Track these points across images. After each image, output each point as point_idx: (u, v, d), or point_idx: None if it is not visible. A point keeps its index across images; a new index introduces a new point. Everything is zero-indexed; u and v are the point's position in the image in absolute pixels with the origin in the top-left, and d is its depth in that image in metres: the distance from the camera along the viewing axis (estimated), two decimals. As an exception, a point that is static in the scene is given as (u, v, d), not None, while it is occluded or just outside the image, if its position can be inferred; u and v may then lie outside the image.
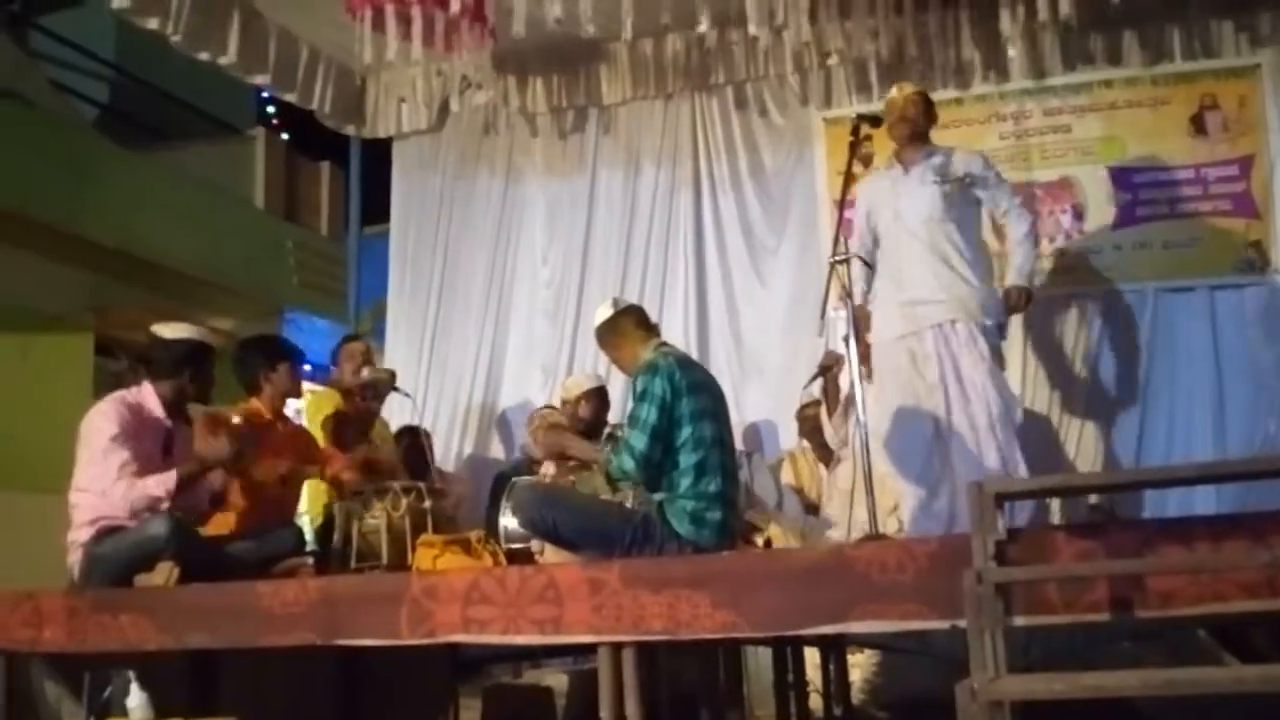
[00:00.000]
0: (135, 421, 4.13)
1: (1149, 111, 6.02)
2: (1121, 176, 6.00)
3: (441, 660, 4.52)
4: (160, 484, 4.01)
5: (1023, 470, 4.30)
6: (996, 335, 4.57)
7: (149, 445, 4.16)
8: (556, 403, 6.37)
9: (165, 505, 4.00)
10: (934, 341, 4.43)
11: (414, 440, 5.60)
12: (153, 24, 5.58)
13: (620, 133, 6.78)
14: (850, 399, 5.44)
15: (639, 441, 3.72)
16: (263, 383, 4.74)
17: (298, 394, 5.01)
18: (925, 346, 4.44)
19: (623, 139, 6.77)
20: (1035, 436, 5.73)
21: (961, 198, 4.68)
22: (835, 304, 4.44)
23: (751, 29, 5.61)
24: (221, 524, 4.53)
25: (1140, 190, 5.98)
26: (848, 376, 5.50)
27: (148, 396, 4.23)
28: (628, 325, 4.05)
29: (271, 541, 4.28)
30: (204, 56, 5.91)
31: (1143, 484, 4.51)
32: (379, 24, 5.43)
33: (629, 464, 3.73)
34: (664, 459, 3.75)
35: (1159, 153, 5.97)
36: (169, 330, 4.34)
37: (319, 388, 5.81)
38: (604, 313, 4.14)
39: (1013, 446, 4.32)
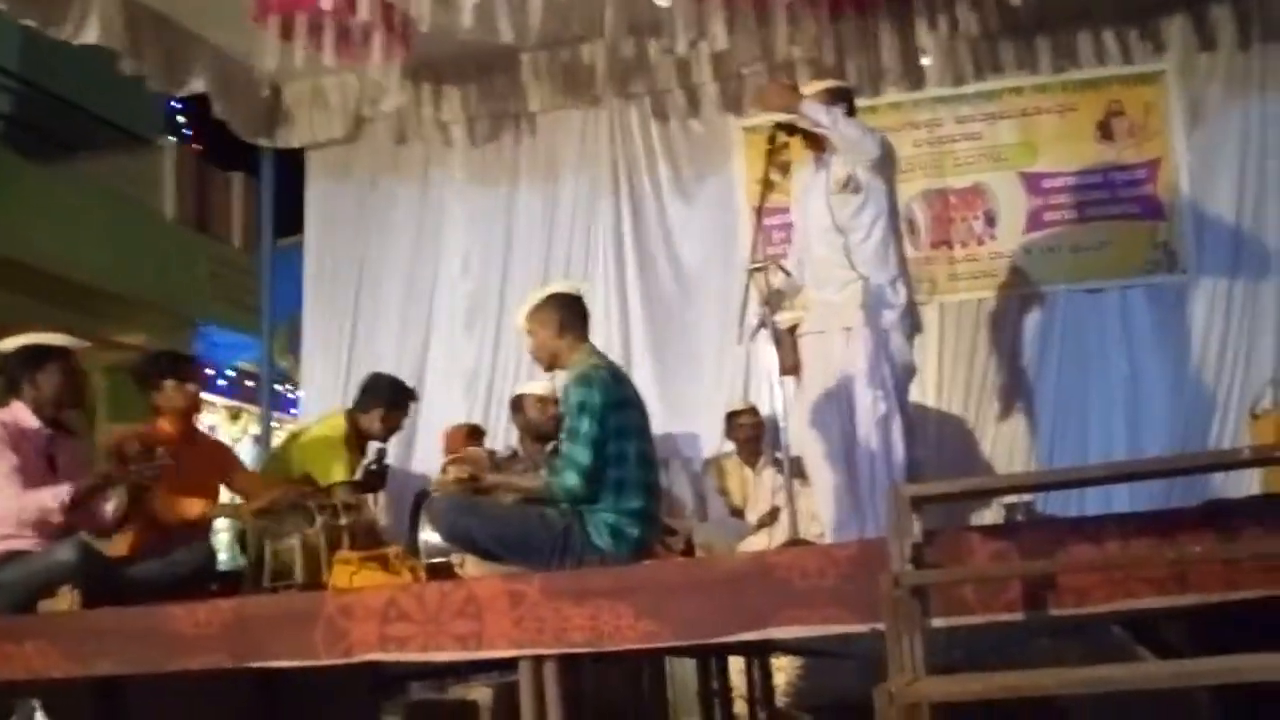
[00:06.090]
0: (12, 437, 3.99)
1: (1058, 118, 6.16)
2: (1032, 182, 6.13)
3: (362, 678, 4.43)
4: (54, 496, 3.87)
5: (890, 477, 4.14)
6: (898, 336, 4.37)
7: (31, 459, 4.02)
8: (477, 417, 6.33)
9: (58, 519, 3.88)
10: (840, 343, 4.39)
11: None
12: (61, 34, 5.42)
13: (539, 141, 6.75)
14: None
15: (581, 456, 3.68)
16: (156, 403, 4.62)
17: (194, 408, 4.84)
18: (834, 347, 4.41)
19: (542, 148, 6.74)
20: (951, 439, 5.84)
21: (849, 201, 4.42)
22: (755, 311, 4.43)
23: (665, 42, 5.63)
24: (125, 542, 4.40)
25: (1050, 195, 6.11)
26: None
27: (19, 411, 4.09)
28: (572, 317, 3.96)
29: (180, 561, 4.16)
30: (122, 67, 5.76)
31: (1054, 485, 4.58)
32: (287, 32, 5.34)
33: (573, 479, 3.69)
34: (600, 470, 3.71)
35: (1068, 158, 6.11)
36: (7, 344, 4.20)
37: (334, 414, 5.55)
38: (564, 286, 4.10)
39: (885, 452, 4.23)
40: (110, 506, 4.20)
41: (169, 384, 4.64)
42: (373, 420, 5.29)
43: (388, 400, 5.33)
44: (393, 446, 6.45)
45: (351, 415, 5.32)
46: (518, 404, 5.73)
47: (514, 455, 5.68)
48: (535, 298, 4.05)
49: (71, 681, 3.56)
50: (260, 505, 4.32)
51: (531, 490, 3.92)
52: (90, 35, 5.46)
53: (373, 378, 5.51)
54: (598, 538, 3.67)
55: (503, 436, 6.32)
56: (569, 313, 3.97)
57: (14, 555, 3.89)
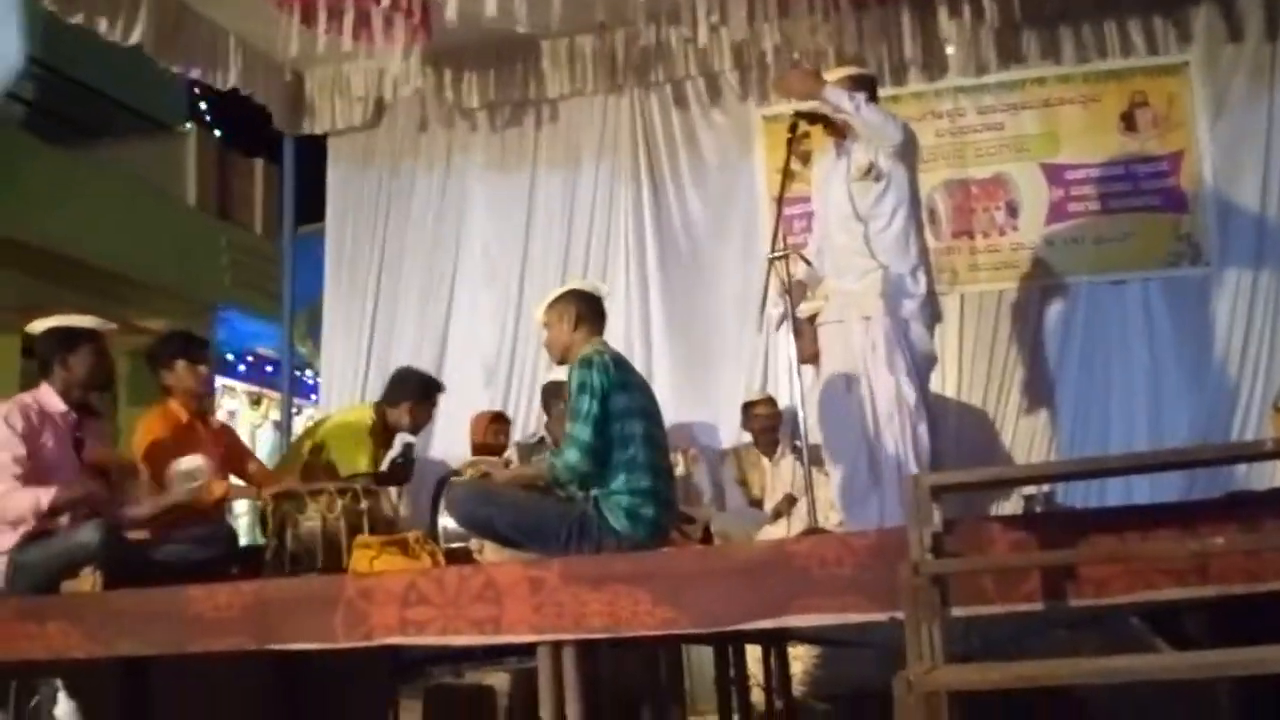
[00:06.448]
0: (36, 422, 4.02)
1: (1081, 109, 6.13)
2: (1054, 173, 6.10)
3: (382, 662, 4.46)
4: (33, 501, 3.87)
5: (912, 466, 4.14)
6: (917, 325, 4.36)
7: (55, 443, 4.05)
8: (497, 404, 6.34)
9: (32, 524, 3.87)
10: (859, 332, 4.37)
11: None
12: (78, 19, 5.45)
13: (560, 129, 6.76)
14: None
15: (582, 433, 3.71)
16: (168, 383, 4.66)
17: (203, 389, 4.87)
18: (853, 336, 4.39)
19: (562, 135, 6.74)
20: (971, 430, 5.82)
21: (870, 190, 4.39)
22: (775, 300, 4.43)
23: (686, 30, 5.62)
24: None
25: (1072, 186, 6.08)
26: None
27: (45, 394, 4.12)
28: (589, 313, 4.01)
29: (201, 543, 4.19)
30: (140, 50, 5.76)
31: (1074, 475, 4.56)
32: (309, 19, 5.36)
33: (574, 456, 3.71)
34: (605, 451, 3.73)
35: (1091, 149, 6.08)
36: (39, 325, 4.22)
37: (359, 406, 5.64)
38: (585, 285, 4.16)
39: (907, 440, 4.20)
40: (145, 510, 4.24)
41: (180, 364, 4.67)
42: (401, 414, 5.32)
43: (417, 395, 5.36)
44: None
45: (380, 408, 5.34)
46: (558, 390, 5.73)
47: (541, 441, 5.69)
48: (555, 292, 4.10)
49: (94, 662, 3.60)
50: (281, 489, 4.34)
51: (538, 476, 3.95)
52: (108, 25, 5.47)
53: (402, 372, 5.54)
54: (614, 520, 3.69)
55: (522, 423, 6.34)
56: (586, 308, 4.01)
57: (37, 536, 3.92)
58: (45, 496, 3.88)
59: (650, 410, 3.89)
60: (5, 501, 3.87)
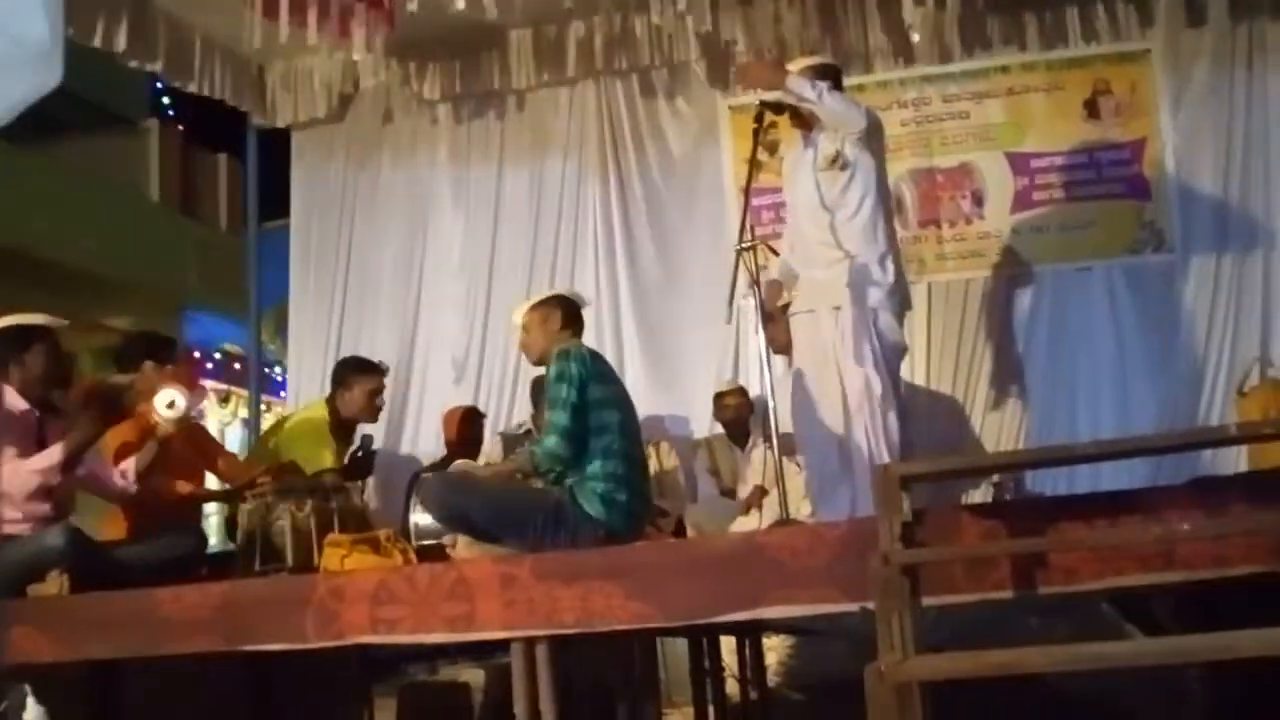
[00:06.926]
0: (3, 421, 3.98)
1: (1044, 97, 6.16)
2: (1019, 161, 6.13)
3: (355, 661, 4.44)
4: (45, 458, 3.87)
5: (882, 456, 4.14)
6: (886, 314, 4.35)
7: (21, 441, 4.01)
8: (467, 399, 6.31)
9: (57, 478, 3.88)
10: (829, 322, 4.37)
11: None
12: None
13: (526, 120, 6.71)
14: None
15: (561, 419, 3.78)
16: (136, 384, 4.62)
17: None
18: (824, 325, 4.39)
19: (528, 126, 6.71)
20: (940, 419, 5.85)
21: (837, 179, 4.39)
22: (744, 291, 4.43)
23: (654, 17, 5.61)
24: (116, 527, 4.39)
25: (1037, 175, 6.12)
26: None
27: (7, 395, 4.08)
28: (570, 318, 4.11)
29: (170, 545, 4.16)
30: (95, 44, 5.68)
31: (1043, 463, 4.59)
32: (271, 10, 5.30)
33: (552, 441, 3.79)
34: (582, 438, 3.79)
35: (1055, 137, 6.11)
36: None
37: (314, 406, 5.55)
38: (567, 291, 4.27)
39: (877, 430, 4.20)
40: (131, 464, 4.21)
41: (148, 366, 4.65)
42: (345, 403, 5.32)
43: (347, 377, 5.36)
44: (382, 430, 6.48)
45: (330, 403, 5.34)
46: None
47: (528, 433, 5.68)
48: (540, 296, 4.19)
49: (62, 666, 3.56)
50: (246, 482, 4.32)
51: (518, 470, 3.99)
52: (72, 19, 5.38)
53: (337, 362, 5.56)
54: (589, 507, 3.75)
55: (494, 418, 6.31)
56: (569, 313, 4.11)
57: (3, 540, 3.87)
58: (55, 451, 3.88)
59: (625, 402, 3.98)
60: (16, 477, 3.84)
